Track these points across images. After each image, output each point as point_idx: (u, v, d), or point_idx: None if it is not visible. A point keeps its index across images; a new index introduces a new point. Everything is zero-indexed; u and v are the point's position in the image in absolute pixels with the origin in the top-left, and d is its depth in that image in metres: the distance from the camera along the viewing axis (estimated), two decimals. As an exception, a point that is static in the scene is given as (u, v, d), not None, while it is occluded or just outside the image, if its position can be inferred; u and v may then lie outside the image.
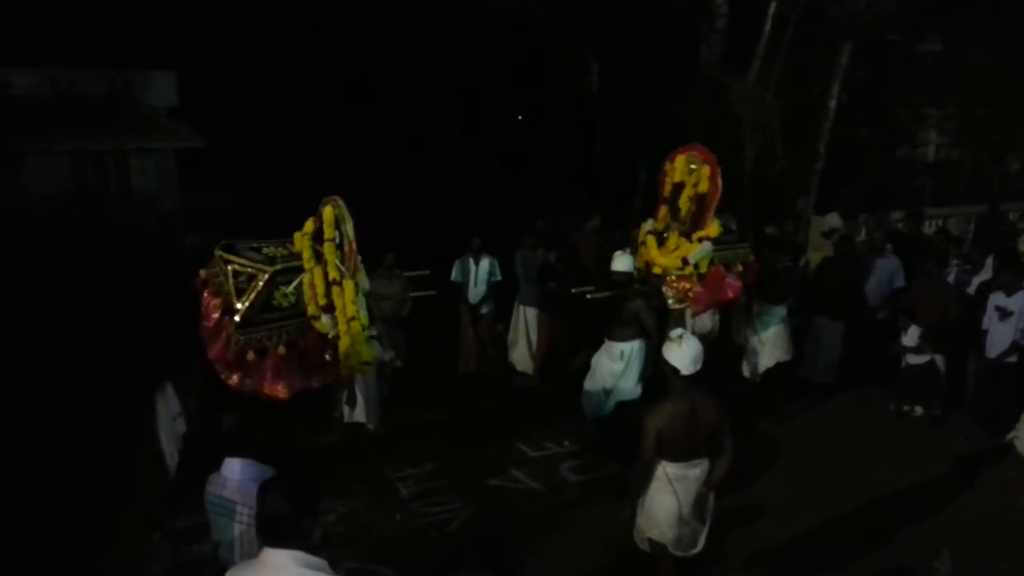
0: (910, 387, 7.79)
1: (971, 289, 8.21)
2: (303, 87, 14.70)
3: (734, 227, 7.43)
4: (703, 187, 6.50)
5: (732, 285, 6.64)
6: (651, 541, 4.55)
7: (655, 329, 6.39)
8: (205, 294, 4.36)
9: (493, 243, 8.86)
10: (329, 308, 4.45)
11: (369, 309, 4.88)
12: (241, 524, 3.40)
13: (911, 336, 7.60)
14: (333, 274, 4.46)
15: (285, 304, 4.38)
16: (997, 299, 7.17)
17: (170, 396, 5.06)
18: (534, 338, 8.76)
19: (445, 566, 5.23)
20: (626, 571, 4.95)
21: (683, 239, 6.55)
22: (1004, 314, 7.06)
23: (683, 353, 4.28)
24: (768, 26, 13.00)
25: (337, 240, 4.55)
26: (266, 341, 4.26)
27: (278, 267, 4.39)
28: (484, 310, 8.82)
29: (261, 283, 4.27)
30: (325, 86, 15.03)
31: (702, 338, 5.13)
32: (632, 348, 6.54)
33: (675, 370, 4.29)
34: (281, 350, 4.29)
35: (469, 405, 7.99)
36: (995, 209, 13.08)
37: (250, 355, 4.20)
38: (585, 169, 15.46)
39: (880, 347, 8.29)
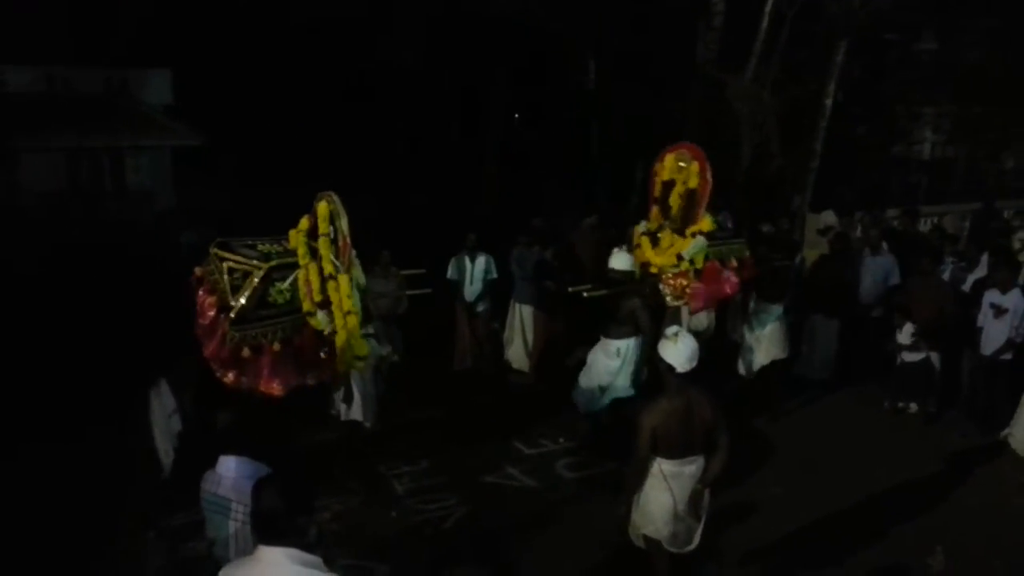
0: (905, 384, 7.81)
1: (966, 286, 8.24)
2: (301, 86, 14.70)
3: (730, 225, 7.46)
4: (693, 183, 6.53)
5: (729, 281, 6.66)
6: (646, 538, 4.56)
7: (649, 328, 6.40)
8: (200, 292, 4.36)
9: (491, 241, 8.86)
10: (325, 304, 4.45)
11: (366, 307, 4.89)
12: (236, 522, 3.40)
13: (906, 333, 7.62)
14: (328, 269, 4.46)
15: (280, 301, 4.38)
16: (992, 296, 7.19)
17: (165, 393, 5.04)
18: (530, 336, 8.76)
19: (440, 563, 5.23)
20: (621, 568, 4.96)
21: (676, 236, 6.58)
22: (999, 311, 7.08)
23: (679, 350, 4.28)
24: (765, 24, 13.01)
25: (331, 235, 4.55)
26: (261, 338, 4.25)
27: (273, 263, 4.39)
28: (480, 308, 8.82)
29: (256, 280, 4.27)
30: (323, 85, 15.04)
31: (698, 335, 5.13)
32: (628, 345, 6.55)
33: (671, 367, 4.30)
34: (276, 347, 4.29)
35: (465, 403, 7.99)
36: (990, 207, 13.09)
37: (245, 352, 4.19)
38: (582, 167, 15.48)
39: (875, 344, 8.31)
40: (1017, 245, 9.34)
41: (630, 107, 13.99)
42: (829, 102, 13.21)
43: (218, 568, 2.68)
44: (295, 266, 4.48)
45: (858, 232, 10.27)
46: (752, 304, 7.78)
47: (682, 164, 6.60)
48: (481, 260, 8.65)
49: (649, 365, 6.25)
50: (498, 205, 14.60)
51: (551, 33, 14.10)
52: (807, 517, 5.75)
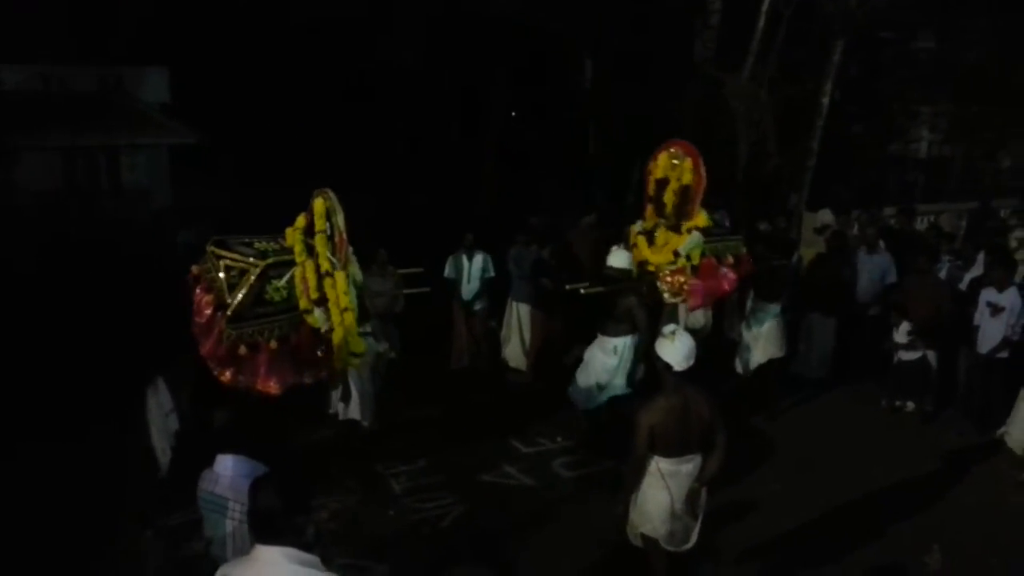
0: (902, 383, 7.83)
1: (963, 285, 8.24)
2: (299, 85, 14.67)
3: (727, 223, 7.46)
4: (686, 179, 6.56)
5: (727, 277, 6.67)
6: (644, 536, 4.56)
7: (646, 326, 6.40)
8: (197, 290, 4.36)
9: (489, 240, 8.85)
10: (321, 302, 4.44)
11: (363, 306, 4.88)
12: (233, 521, 3.40)
13: (903, 332, 7.63)
14: (325, 266, 4.46)
15: (277, 298, 4.37)
16: (988, 295, 7.20)
17: (162, 392, 5.04)
18: (527, 334, 8.76)
19: (438, 562, 5.22)
20: (619, 566, 4.96)
21: (671, 233, 6.60)
22: (995, 310, 7.09)
23: (676, 349, 4.28)
24: (762, 23, 13.02)
25: (328, 231, 4.54)
26: (258, 336, 4.25)
27: (270, 261, 4.38)
28: (477, 306, 8.82)
29: (253, 277, 4.26)
30: (321, 84, 15.00)
31: (695, 334, 5.12)
32: (625, 343, 6.55)
33: (668, 366, 4.30)
34: (273, 345, 4.28)
35: (462, 401, 7.99)
36: (986, 205, 13.12)
37: (242, 350, 4.19)
38: (580, 166, 15.48)
39: (872, 343, 8.32)
40: (1013, 244, 9.35)
41: (628, 106, 13.99)
42: (826, 101, 13.22)
43: (215, 567, 2.67)
44: (292, 264, 4.48)
45: (855, 231, 10.26)
46: (750, 303, 7.78)
47: (675, 162, 6.64)
48: (478, 259, 8.65)
49: (646, 363, 6.26)
50: (496, 204, 14.59)
51: (549, 33, 14.09)
52: (804, 515, 5.75)
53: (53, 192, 12.29)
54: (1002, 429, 7.05)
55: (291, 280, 4.44)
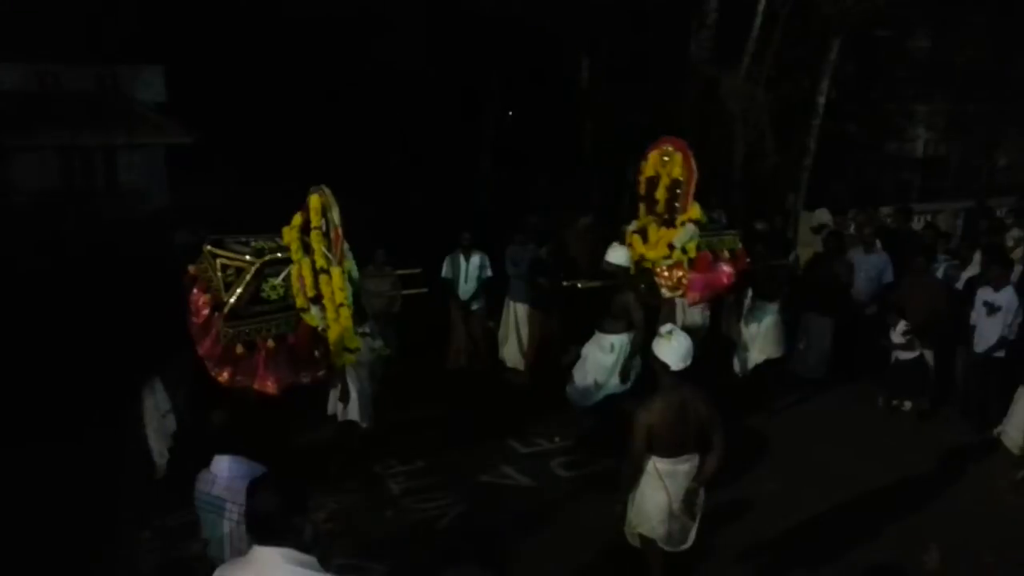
0: (899, 382, 7.83)
1: (959, 284, 8.25)
2: (295, 83, 14.64)
3: (724, 222, 7.47)
4: (676, 172, 6.60)
5: (725, 270, 6.68)
6: (641, 536, 4.56)
7: (642, 324, 6.41)
8: (194, 290, 4.35)
9: (486, 240, 8.84)
10: (318, 299, 4.44)
11: (361, 306, 4.87)
12: (231, 522, 3.39)
13: (900, 331, 7.63)
14: (320, 262, 4.45)
15: (274, 296, 4.37)
16: (985, 294, 7.21)
17: (159, 393, 5.04)
18: (524, 334, 8.75)
19: (436, 563, 5.21)
20: (617, 566, 4.95)
21: (664, 227, 6.62)
22: (992, 309, 7.09)
23: (673, 348, 4.28)
24: (758, 21, 13.01)
25: (323, 228, 4.53)
26: (255, 335, 4.25)
27: (266, 259, 4.38)
28: (474, 306, 8.81)
29: (249, 275, 4.26)
30: (317, 82, 14.98)
31: (692, 333, 5.12)
32: (621, 340, 6.55)
33: (665, 366, 4.30)
34: (270, 344, 4.28)
35: (459, 402, 7.98)
36: (983, 204, 13.13)
37: (239, 349, 4.19)
38: (577, 165, 15.47)
39: (870, 342, 8.33)
40: (1010, 243, 9.34)
41: (625, 106, 13.98)
42: (822, 100, 13.23)
43: (213, 568, 2.67)
44: (288, 262, 4.48)
45: (852, 230, 10.28)
46: (748, 302, 7.78)
47: (665, 158, 6.70)
48: (475, 258, 8.64)
49: (642, 359, 6.26)
50: (493, 203, 14.58)
51: (546, 33, 14.08)
52: (802, 515, 5.76)
53: (50, 192, 12.28)
54: (999, 428, 7.04)
55: (287, 278, 4.44)
